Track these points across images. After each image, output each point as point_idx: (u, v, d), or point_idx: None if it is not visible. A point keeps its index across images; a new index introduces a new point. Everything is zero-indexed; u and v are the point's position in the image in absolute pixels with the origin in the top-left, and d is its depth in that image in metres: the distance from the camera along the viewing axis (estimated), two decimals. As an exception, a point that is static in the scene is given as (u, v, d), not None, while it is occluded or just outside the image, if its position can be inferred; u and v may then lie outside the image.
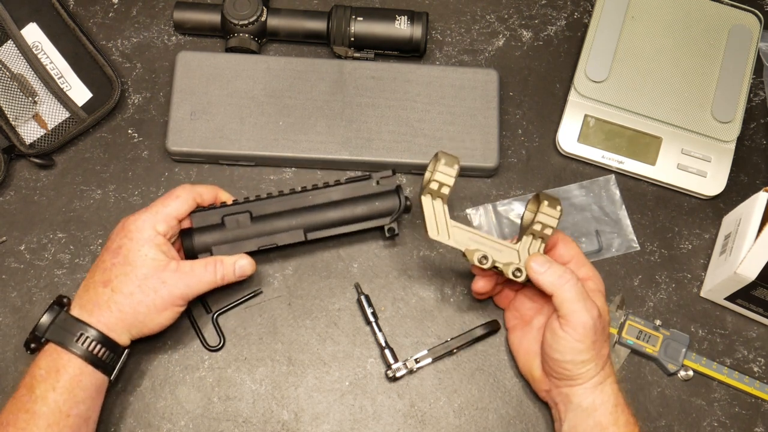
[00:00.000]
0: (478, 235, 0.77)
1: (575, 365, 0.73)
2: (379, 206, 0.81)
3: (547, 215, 0.75)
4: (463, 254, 0.76)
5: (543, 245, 0.77)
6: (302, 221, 0.80)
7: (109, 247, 0.76)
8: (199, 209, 0.80)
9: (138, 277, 0.74)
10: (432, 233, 0.76)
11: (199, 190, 0.80)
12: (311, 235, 0.80)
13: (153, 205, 0.78)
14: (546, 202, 0.75)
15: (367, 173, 0.82)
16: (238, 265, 0.78)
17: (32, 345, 0.74)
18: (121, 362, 0.75)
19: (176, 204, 0.78)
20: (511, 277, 0.76)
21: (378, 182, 0.81)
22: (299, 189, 0.81)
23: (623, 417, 0.74)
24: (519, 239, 0.78)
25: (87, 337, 0.72)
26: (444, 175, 0.74)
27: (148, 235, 0.75)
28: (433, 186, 0.75)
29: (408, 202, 0.82)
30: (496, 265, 0.76)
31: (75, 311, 0.74)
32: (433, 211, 0.76)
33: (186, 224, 0.80)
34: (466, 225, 0.77)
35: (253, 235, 0.80)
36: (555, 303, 0.73)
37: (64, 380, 0.72)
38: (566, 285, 0.73)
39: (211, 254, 0.79)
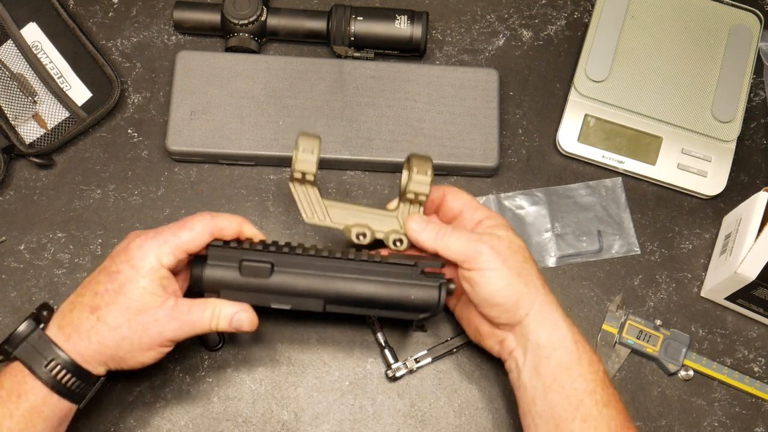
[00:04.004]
0: (356, 208, 0.74)
1: (510, 296, 0.70)
2: (414, 299, 0.72)
3: (419, 183, 0.72)
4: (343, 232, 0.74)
5: (422, 208, 0.74)
6: (325, 289, 0.71)
7: (107, 267, 0.69)
8: (218, 243, 0.71)
9: (129, 311, 0.67)
10: (308, 218, 0.73)
11: (220, 223, 0.70)
12: (331, 308, 0.72)
13: (163, 231, 0.69)
14: (416, 169, 0.72)
15: (413, 261, 0.72)
16: (236, 318, 0.70)
17: (0, 358, 0.68)
18: (93, 390, 0.70)
19: (189, 236, 0.69)
20: (392, 246, 0.74)
21: (422, 271, 0.72)
22: (332, 254, 0.72)
23: (586, 355, 0.70)
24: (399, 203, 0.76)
25: (57, 364, 0.66)
26: (306, 163, 0.71)
27: (151, 267, 0.68)
28: (297, 175, 0.72)
29: (449, 293, 0.73)
30: (377, 236, 0.74)
31: (52, 330, 0.68)
32: (306, 196, 0.73)
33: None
34: (343, 202, 0.75)
35: (269, 290, 0.71)
36: (446, 258, 0.71)
37: (24, 408, 0.66)
38: (446, 236, 0.71)
39: (218, 296, 0.71)
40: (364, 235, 0.74)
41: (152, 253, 0.68)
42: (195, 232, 0.69)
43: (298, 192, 0.74)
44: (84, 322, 0.68)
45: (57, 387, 0.67)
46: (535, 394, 0.71)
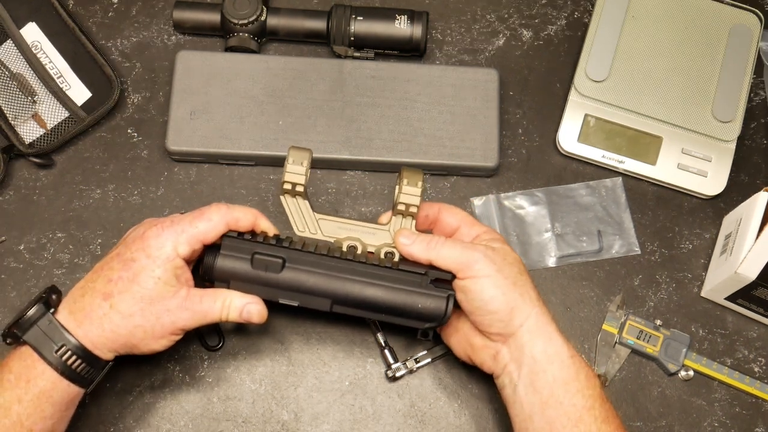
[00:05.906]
0: (348, 222, 0.75)
1: (504, 304, 0.69)
2: (421, 308, 0.72)
3: (409, 194, 0.73)
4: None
5: (414, 221, 0.74)
6: (333, 289, 0.72)
7: (122, 254, 0.69)
8: (233, 234, 0.72)
9: (143, 300, 0.68)
10: (298, 231, 0.74)
11: (236, 215, 0.71)
12: (337, 309, 0.73)
13: (180, 221, 0.70)
14: (406, 180, 0.73)
15: (424, 270, 0.72)
16: (246, 309, 0.71)
17: (8, 340, 0.68)
18: (101, 375, 0.70)
19: (206, 227, 0.70)
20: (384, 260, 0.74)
21: (431, 281, 0.72)
22: (345, 256, 0.73)
23: (583, 370, 0.70)
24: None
25: (68, 350, 0.67)
26: (295, 175, 0.72)
27: (167, 256, 0.68)
28: (287, 186, 0.73)
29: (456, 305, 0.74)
30: (369, 250, 0.74)
31: (62, 316, 0.68)
32: (297, 208, 0.74)
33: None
34: (335, 215, 0.76)
35: (279, 285, 0.72)
36: (441, 267, 0.71)
37: (33, 393, 0.66)
38: (437, 246, 0.70)
39: (228, 286, 0.72)
40: (355, 248, 0.74)
41: (169, 243, 0.68)
42: (212, 223, 0.70)
43: (289, 204, 0.74)
44: (96, 309, 0.68)
45: (67, 372, 0.67)
46: (532, 410, 0.69)
